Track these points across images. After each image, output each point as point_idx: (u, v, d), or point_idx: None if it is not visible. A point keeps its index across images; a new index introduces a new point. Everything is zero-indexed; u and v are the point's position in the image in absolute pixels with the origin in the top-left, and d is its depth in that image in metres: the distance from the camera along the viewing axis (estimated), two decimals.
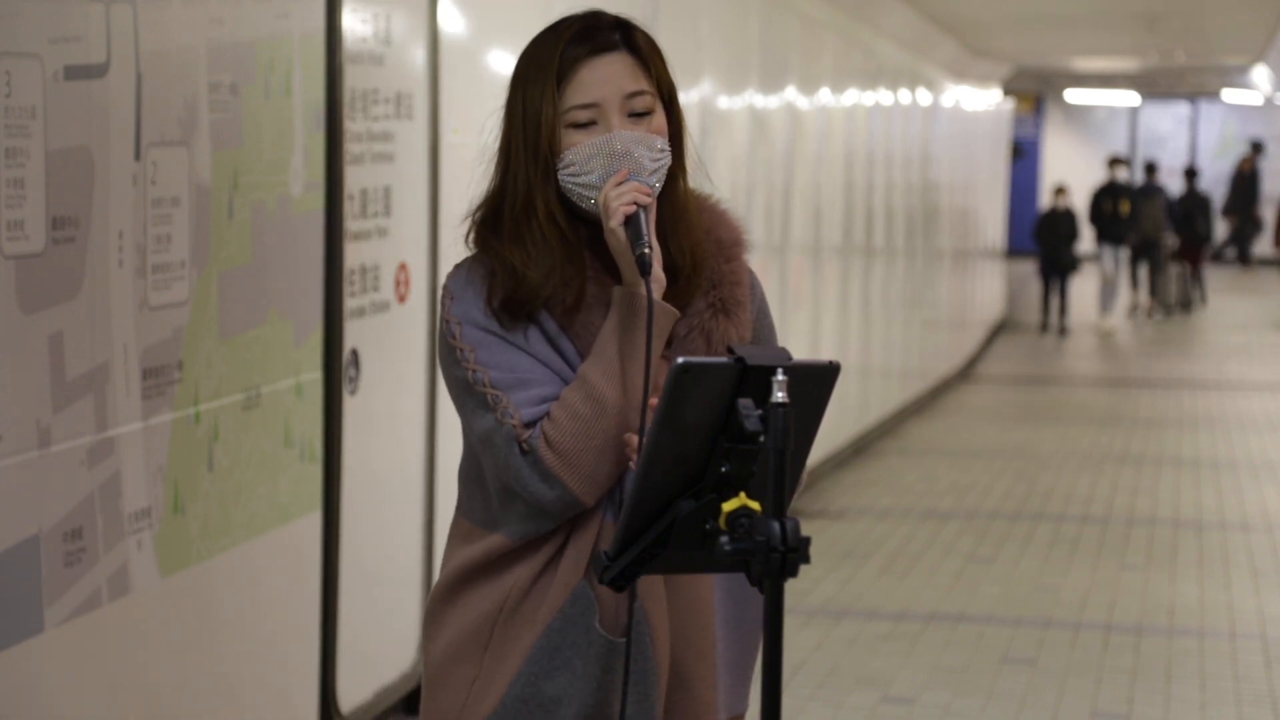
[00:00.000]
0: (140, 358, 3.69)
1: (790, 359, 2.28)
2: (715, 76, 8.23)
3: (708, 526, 2.30)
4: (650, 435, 2.28)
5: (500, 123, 2.70)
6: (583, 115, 2.62)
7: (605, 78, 2.63)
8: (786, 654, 6.03)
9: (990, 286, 19.85)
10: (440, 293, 2.69)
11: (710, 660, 2.68)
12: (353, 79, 4.73)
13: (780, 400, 2.22)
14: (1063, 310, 20.07)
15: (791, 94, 9.79)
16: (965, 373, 16.65)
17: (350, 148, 4.73)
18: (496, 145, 2.70)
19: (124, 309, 3.62)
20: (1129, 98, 29.95)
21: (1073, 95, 29.55)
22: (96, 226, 3.51)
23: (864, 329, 12.04)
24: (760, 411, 2.25)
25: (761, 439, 2.24)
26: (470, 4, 5.50)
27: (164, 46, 3.76)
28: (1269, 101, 28.00)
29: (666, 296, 2.63)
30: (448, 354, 2.64)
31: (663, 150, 2.65)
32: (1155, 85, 27.29)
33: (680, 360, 2.25)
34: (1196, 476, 11.20)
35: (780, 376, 2.23)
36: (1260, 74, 21.72)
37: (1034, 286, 24.69)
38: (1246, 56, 19.34)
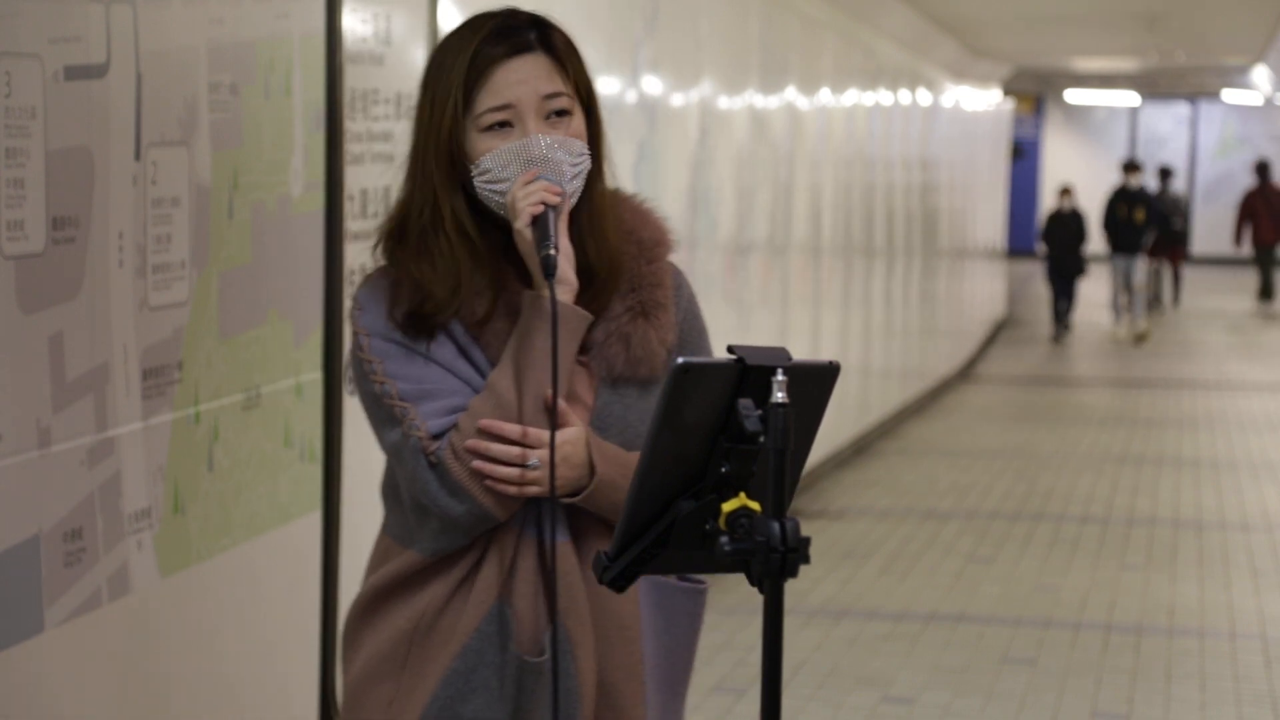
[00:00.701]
0: (140, 358, 3.69)
1: (790, 359, 2.27)
2: (715, 76, 8.23)
3: (708, 527, 2.30)
4: (650, 435, 2.28)
5: (412, 127, 2.62)
6: (497, 118, 2.54)
7: (521, 79, 2.55)
8: (786, 654, 6.04)
9: (990, 286, 19.85)
10: (350, 304, 2.62)
11: (639, 678, 2.61)
12: (353, 79, 4.73)
13: (780, 400, 2.22)
14: (1067, 310, 19.58)
15: (791, 94, 9.79)
16: (965, 373, 16.64)
17: (350, 148, 4.73)
18: (409, 151, 2.61)
19: (124, 309, 3.62)
20: (1129, 98, 29.95)
21: (1073, 95, 29.55)
22: (96, 227, 3.51)
23: (864, 329, 12.04)
24: (760, 411, 2.25)
25: (761, 439, 2.24)
26: (470, 4, 5.50)
27: (164, 46, 3.76)
28: (1269, 102, 27.99)
29: (582, 300, 2.56)
30: (357, 367, 2.58)
31: (582, 154, 2.57)
32: (1155, 85, 27.30)
33: (680, 360, 2.25)
34: (1196, 476, 11.20)
35: (780, 376, 2.22)
36: (1260, 74, 21.72)
37: (1037, 289, 24.64)
38: (1247, 57, 19.34)
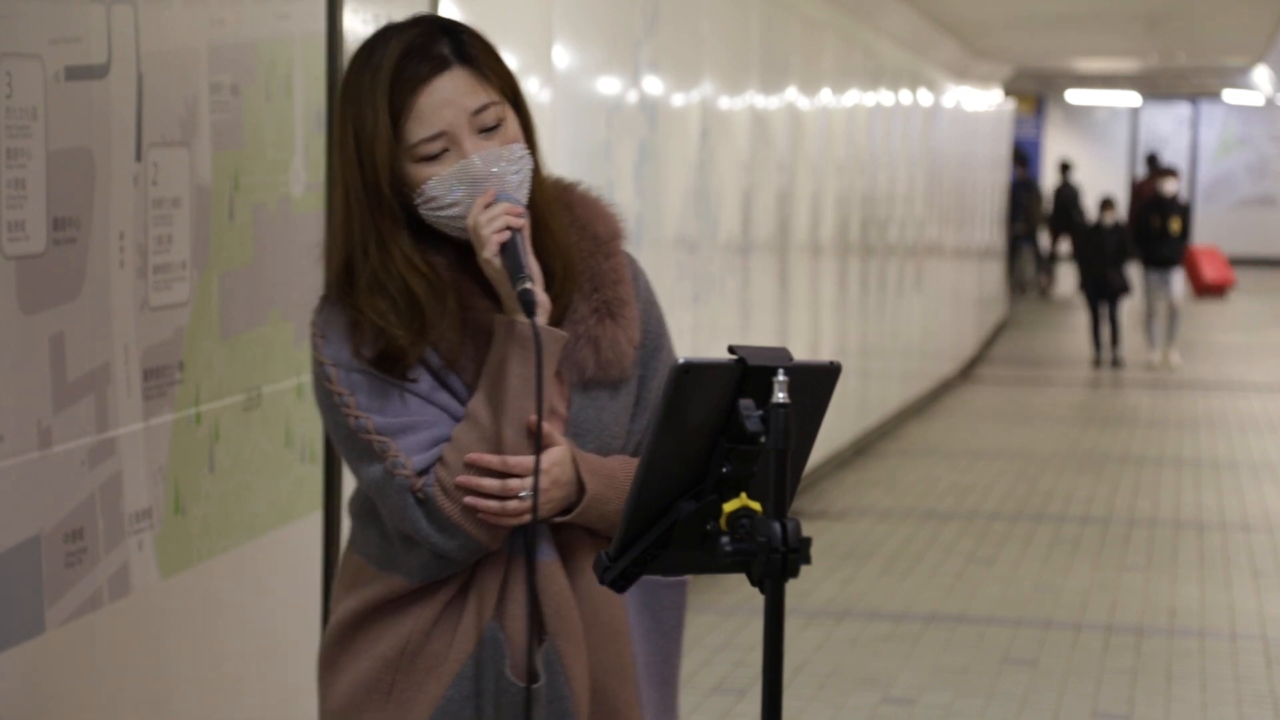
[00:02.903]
0: (141, 358, 3.69)
1: (791, 359, 2.27)
2: (715, 77, 8.23)
3: (708, 527, 2.30)
4: (650, 436, 2.28)
5: (335, 158, 2.50)
6: (433, 148, 2.44)
7: (446, 101, 2.44)
8: (787, 655, 6.06)
9: (991, 287, 19.85)
10: (310, 329, 2.51)
11: (632, 681, 2.58)
12: None
13: (781, 400, 2.22)
14: (1115, 340, 17.57)
15: (792, 94, 9.79)
16: (965, 373, 16.65)
17: None
18: (335, 181, 2.50)
19: (125, 309, 3.62)
20: (1130, 98, 29.97)
21: (1074, 96, 29.56)
22: (97, 227, 3.51)
23: (864, 329, 12.04)
24: (761, 412, 2.24)
25: (762, 439, 2.24)
26: (470, 4, 5.50)
27: (165, 47, 3.76)
28: (1270, 102, 28.01)
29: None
30: (325, 398, 2.49)
31: (521, 157, 2.48)
32: (1156, 86, 27.34)
33: (681, 360, 2.24)
34: (1197, 477, 11.20)
35: (781, 377, 2.22)
36: (1261, 75, 21.73)
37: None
38: (1247, 57, 19.35)
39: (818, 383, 2.36)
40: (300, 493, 4.54)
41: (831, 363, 2.37)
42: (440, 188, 2.44)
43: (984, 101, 18.82)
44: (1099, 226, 17.73)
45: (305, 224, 4.52)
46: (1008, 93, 21.77)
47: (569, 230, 2.54)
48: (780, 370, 2.23)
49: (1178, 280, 17.35)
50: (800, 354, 2.47)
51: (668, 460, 2.29)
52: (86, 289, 3.48)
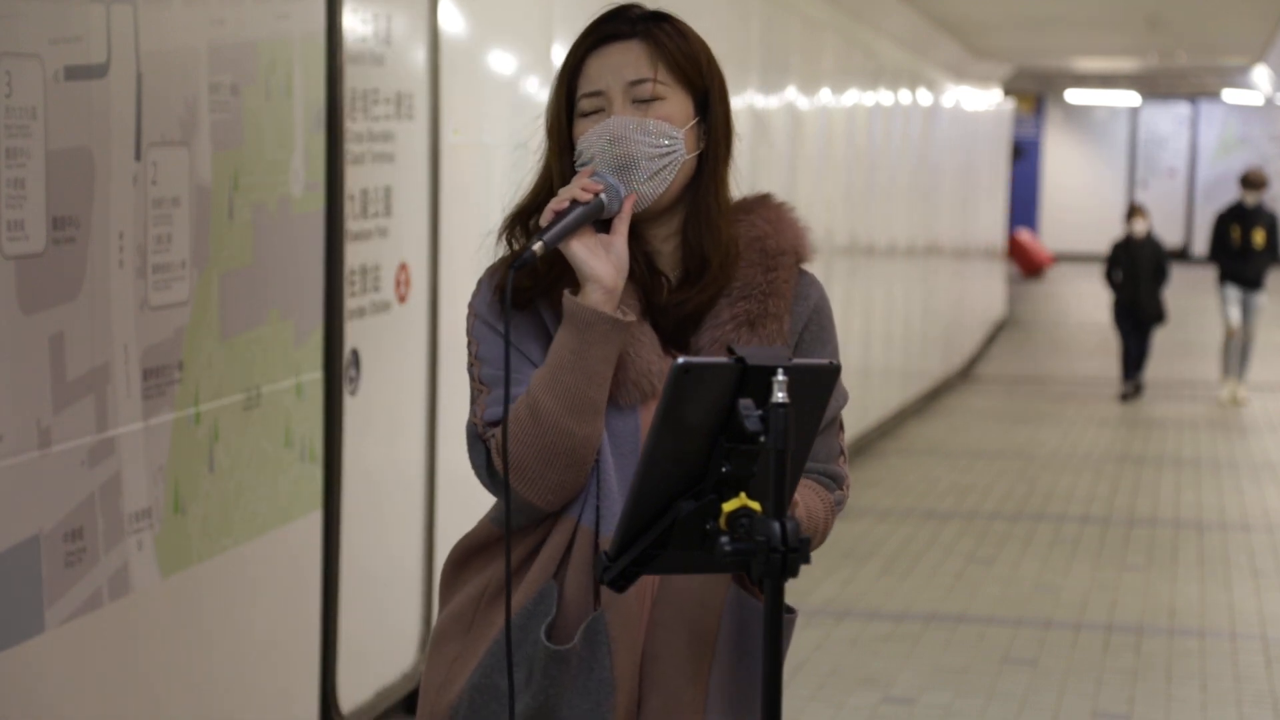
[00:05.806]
0: (141, 358, 3.69)
1: (790, 359, 2.27)
2: None
3: (708, 527, 2.30)
4: (650, 436, 2.28)
5: None
6: (589, 104, 2.59)
7: (609, 66, 2.59)
8: (787, 654, 6.04)
9: (990, 286, 19.86)
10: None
11: (704, 685, 2.59)
12: (353, 79, 4.73)
13: (781, 400, 2.22)
14: (1140, 363, 15.19)
15: (792, 94, 9.79)
16: (965, 373, 16.65)
17: (351, 148, 4.73)
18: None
19: (124, 309, 3.62)
20: (1129, 98, 29.98)
21: (1073, 95, 29.57)
22: (97, 227, 3.51)
23: (864, 329, 12.04)
24: (761, 412, 2.25)
25: (762, 439, 2.24)
26: (470, 4, 5.50)
27: (164, 47, 3.76)
28: (1269, 102, 28.03)
29: (678, 298, 2.57)
30: (466, 342, 2.65)
31: (671, 140, 2.59)
32: (1156, 85, 27.34)
33: (680, 360, 2.25)
34: (1197, 477, 11.20)
35: (780, 377, 2.22)
36: (1261, 74, 21.74)
37: (1036, 288, 24.62)
38: (1247, 57, 19.36)
39: (817, 382, 2.36)
40: (300, 493, 4.54)
41: (830, 362, 2.37)
42: (585, 144, 2.57)
43: (983, 101, 18.83)
44: (1129, 240, 14.97)
45: (305, 224, 4.52)
46: (1007, 92, 21.77)
47: (736, 239, 2.63)
48: (779, 370, 2.23)
49: (1262, 303, 14.75)
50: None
51: (667, 460, 2.29)
52: (86, 289, 3.48)
